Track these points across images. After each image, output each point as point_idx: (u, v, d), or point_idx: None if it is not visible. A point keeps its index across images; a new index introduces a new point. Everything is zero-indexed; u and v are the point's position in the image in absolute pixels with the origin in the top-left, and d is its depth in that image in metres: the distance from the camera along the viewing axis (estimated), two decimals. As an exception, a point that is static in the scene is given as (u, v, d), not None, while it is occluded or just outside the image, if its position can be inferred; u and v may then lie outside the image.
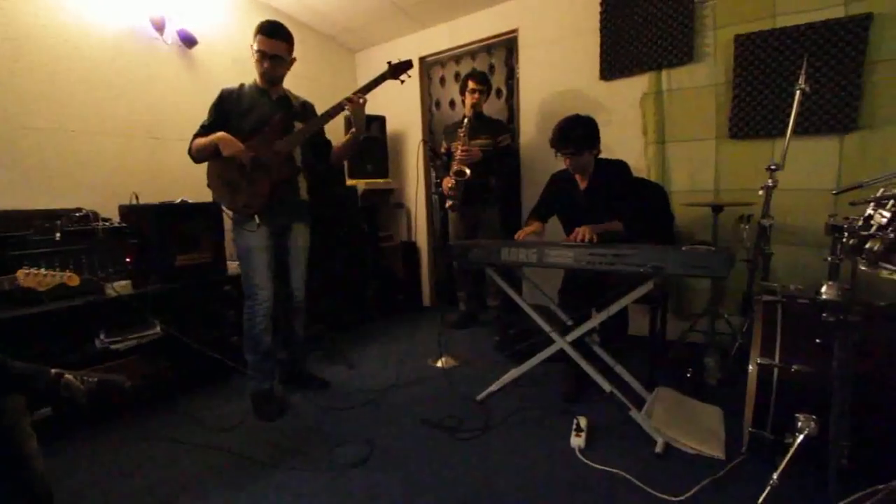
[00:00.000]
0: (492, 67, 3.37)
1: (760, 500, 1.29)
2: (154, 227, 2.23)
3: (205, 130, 1.93)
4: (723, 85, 2.44)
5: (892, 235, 1.08)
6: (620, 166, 2.21)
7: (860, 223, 1.31)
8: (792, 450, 1.29)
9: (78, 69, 2.43)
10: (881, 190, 1.21)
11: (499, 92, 3.38)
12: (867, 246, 1.27)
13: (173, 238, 2.29)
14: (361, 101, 1.95)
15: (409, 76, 2.03)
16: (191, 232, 2.35)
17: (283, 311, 2.18)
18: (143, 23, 2.63)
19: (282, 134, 1.94)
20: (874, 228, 1.26)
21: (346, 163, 3.35)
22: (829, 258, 1.36)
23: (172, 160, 2.74)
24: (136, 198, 2.36)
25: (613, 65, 2.75)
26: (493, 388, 2.08)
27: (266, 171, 1.91)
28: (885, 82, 2.06)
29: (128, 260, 2.20)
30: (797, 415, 1.32)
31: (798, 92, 1.89)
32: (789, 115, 1.93)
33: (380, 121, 3.58)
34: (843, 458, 1.21)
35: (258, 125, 1.94)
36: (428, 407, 2.05)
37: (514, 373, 2.04)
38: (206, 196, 2.11)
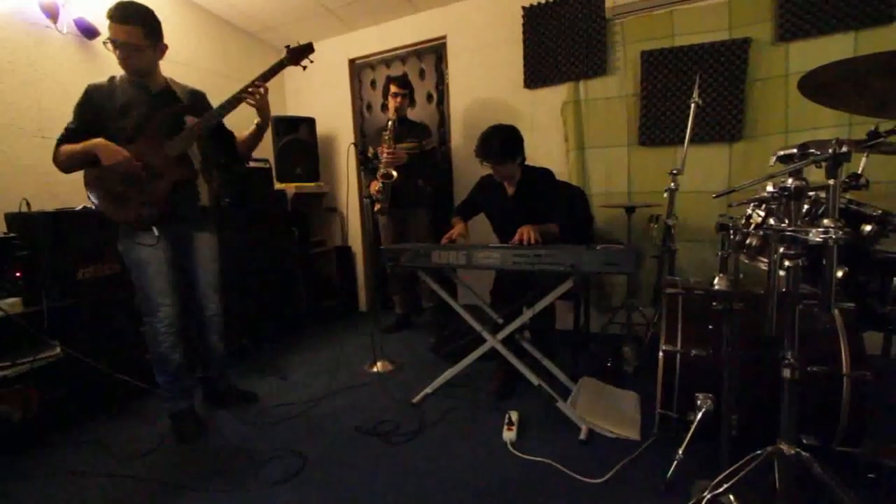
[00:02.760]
0: (422, 72, 3.41)
1: (669, 473, 1.43)
2: (49, 238, 2.00)
3: (72, 135, 1.69)
4: (632, 96, 2.67)
5: (761, 233, 1.23)
6: (546, 174, 2.32)
7: (743, 222, 1.51)
8: (693, 426, 1.44)
9: (-54, 57, 2.12)
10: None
11: (429, 97, 3.42)
12: (747, 242, 1.46)
13: (73, 249, 2.06)
14: (262, 90, 1.81)
15: (312, 61, 1.89)
16: (93, 242, 2.13)
17: (196, 325, 2.03)
18: (31, 7, 2.35)
19: (172, 133, 1.75)
20: (752, 227, 1.44)
21: (273, 165, 3.24)
22: (720, 253, 1.53)
23: (70, 162, 2.46)
24: (28, 205, 2.10)
25: (536, 74, 2.90)
26: (428, 389, 2.10)
27: (159, 177, 1.73)
28: (762, 98, 2.37)
29: (18, 275, 1.95)
30: (697, 394, 1.47)
31: (693, 105, 2.11)
32: (688, 125, 2.15)
33: (309, 123, 3.48)
34: (733, 429, 1.37)
35: (142, 125, 1.72)
36: (362, 414, 2.02)
37: (448, 373, 2.07)
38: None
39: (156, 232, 1.74)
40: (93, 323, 2.10)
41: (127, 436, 1.92)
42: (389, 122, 2.78)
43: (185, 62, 3.02)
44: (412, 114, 3.12)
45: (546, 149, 2.87)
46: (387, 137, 2.75)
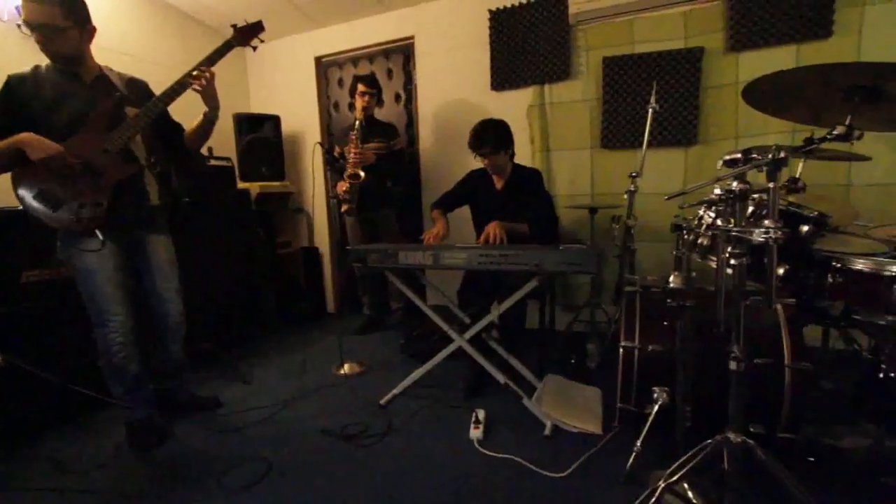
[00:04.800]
0: (390, 72, 3.40)
1: (628, 465, 1.48)
2: (-13, 239, 1.88)
3: None
4: (595, 101, 2.75)
5: (710, 233, 1.30)
6: (535, 174, 2.40)
7: (695, 223, 1.58)
8: (650, 419, 1.50)
9: None
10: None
11: (398, 97, 3.41)
12: (699, 241, 1.53)
13: (15, 251, 1.94)
14: (208, 74, 1.69)
15: (262, 41, 1.79)
16: (39, 243, 2.01)
17: (155, 333, 1.93)
18: (-34, -6, 2.20)
19: (112, 126, 1.61)
20: (704, 227, 1.52)
21: (236, 164, 3.15)
22: (675, 252, 1.61)
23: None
24: (-39, 204, 1.96)
25: (503, 77, 2.94)
26: (397, 390, 2.10)
27: (99, 175, 1.59)
28: (714, 105, 2.49)
29: (-50, 279, 1.82)
30: (654, 388, 1.53)
31: (650, 110, 2.20)
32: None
33: (273, 120, 3.40)
34: (686, 420, 1.44)
35: (76, 118, 1.58)
36: (329, 417, 2.00)
37: (416, 374, 2.08)
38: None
39: (100, 236, 1.59)
40: (39, 330, 1.98)
41: (80, 449, 1.82)
42: (356, 122, 2.75)
43: (141, 57, 2.90)
44: (379, 113, 3.10)
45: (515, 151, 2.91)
46: (354, 137, 2.72)
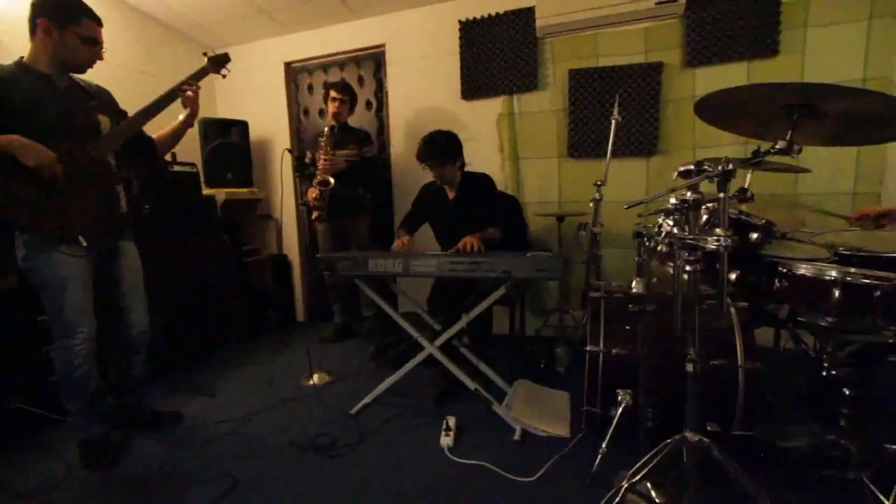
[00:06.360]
0: (361, 79, 3.39)
1: (594, 467, 1.52)
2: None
3: None
4: (562, 111, 2.83)
5: (667, 241, 1.36)
6: (485, 179, 2.42)
7: (655, 230, 1.65)
8: (615, 420, 1.55)
9: None
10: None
11: (368, 104, 3.41)
12: (658, 248, 1.60)
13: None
14: (196, 87, 1.79)
15: (229, 70, 1.92)
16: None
17: (118, 346, 1.87)
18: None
19: (88, 134, 1.62)
20: (663, 235, 1.59)
21: (201, 170, 3.07)
22: (636, 259, 1.67)
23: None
24: None
25: (473, 86, 2.99)
26: (367, 399, 2.08)
27: (85, 182, 1.59)
28: (673, 117, 2.61)
29: None
30: (618, 390, 1.58)
31: (613, 121, 2.28)
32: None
33: (241, 126, 3.33)
34: (648, 420, 1.49)
35: (53, 124, 1.55)
36: (298, 429, 1.96)
37: (387, 382, 2.07)
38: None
39: (83, 242, 1.58)
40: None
41: (27, 471, 1.72)
42: (327, 128, 2.73)
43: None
44: (351, 120, 3.09)
45: (484, 159, 2.96)
46: (323, 143, 2.70)
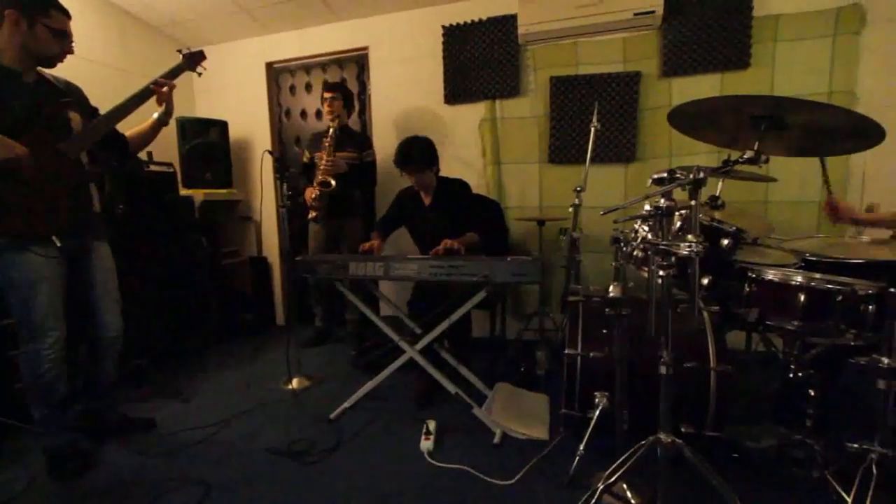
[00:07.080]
0: (344, 81, 3.37)
1: (572, 468, 1.54)
2: None
3: None
4: (543, 117, 2.87)
5: (642, 246, 1.39)
6: (461, 184, 2.43)
7: (632, 236, 1.68)
8: (592, 423, 1.57)
9: None
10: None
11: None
12: (634, 253, 1.63)
13: None
14: (171, 85, 1.76)
15: (205, 67, 1.90)
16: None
17: (89, 349, 1.81)
18: None
19: (58, 130, 1.58)
20: (639, 240, 1.62)
21: (178, 170, 3.01)
22: (614, 263, 1.70)
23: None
24: None
25: (456, 91, 3.01)
26: (346, 404, 2.06)
27: (56, 180, 1.54)
28: (650, 125, 2.67)
29: None
30: (595, 393, 1.61)
31: (593, 128, 2.33)
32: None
33: (221, 126, 3.28)
34: (624, 422, 1.51)
35: (21, 119, 1.50)
36: (275, 434, 1.93)
37: (367, 386, 2.05)
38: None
39: (57, 242, 1.53)
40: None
41: (-14, 480, 1.65)
42: (330, 130, 2.70)
43: (78, 54, 2.70)
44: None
45: (466, 163, 2.98)
46: (328, 144, 2.67)
